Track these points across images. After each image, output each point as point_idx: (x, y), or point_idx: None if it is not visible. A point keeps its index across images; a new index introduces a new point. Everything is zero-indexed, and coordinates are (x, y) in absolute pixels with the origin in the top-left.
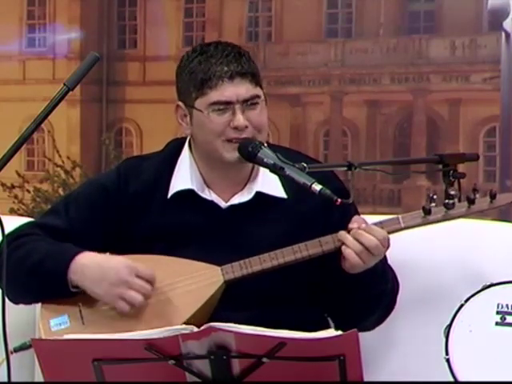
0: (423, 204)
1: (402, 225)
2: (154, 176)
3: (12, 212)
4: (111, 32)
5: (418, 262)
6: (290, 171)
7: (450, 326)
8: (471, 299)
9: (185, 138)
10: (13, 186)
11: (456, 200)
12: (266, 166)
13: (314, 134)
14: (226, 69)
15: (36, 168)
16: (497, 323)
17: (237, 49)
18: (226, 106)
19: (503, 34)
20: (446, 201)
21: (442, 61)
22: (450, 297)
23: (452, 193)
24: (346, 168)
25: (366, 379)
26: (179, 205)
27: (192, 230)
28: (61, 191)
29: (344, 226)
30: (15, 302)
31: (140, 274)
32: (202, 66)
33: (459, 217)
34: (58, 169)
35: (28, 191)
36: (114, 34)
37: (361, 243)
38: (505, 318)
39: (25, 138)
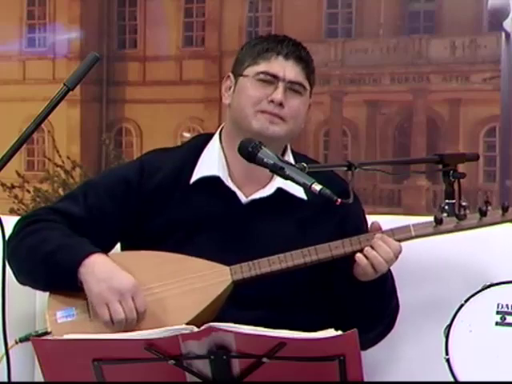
0: (423, 204)
1: (413, 233)
2: (178, 166)
3: (12, 212)
4: (111, 32)
5: (418, 262)
6: (290, 171)
7: (449, 326)
8: (471, 299)
9: (212, 133)
10: (13, 186)
11: (468, 211)
12: (265, 165)
13: (313, 134)
14: (285, 49)
15: (36, 168)
16: (497, 323)
17: (300, 44)
18: (271, 78)
19: (503, 34)
20: (458, 212)
21: (442, 61)
22: (450, 297)
23: (464, 204)
24: (346, 168)
25: (365, 379)
26: (201, 193)
27: (208, 220)
28: (61, 191)
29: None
30: (23, 284)
31: (136, 299)
32: (265, 43)
33: (470, 228)
34: (58, 169)
35: (28, 191)
36: (114, 34)
37: (377, 253)
38: (505, 318)
39: (25, 138)
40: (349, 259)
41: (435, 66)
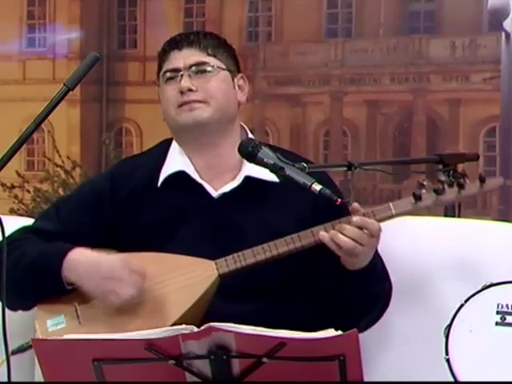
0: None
1: (394, 212)
2: (147, 170)
3: (12, 212)
4: (111, 32)
5: (418, 262)
6: (290, 171)
7: (449, 326)
8: (471, 299)
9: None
10: (13, 186)
11: (446, 186)
12: (265, 165)
13: (313, 134)
14: (176, 42)
15: (36, 168)
16: (497, 323)
17: (202, 31)
18: (174, 73)
19: (503, 34)
20: (436, 186)
21: (442, 61)
22: (450, 297)
23: (442, 179)
24: (346, 168)
25: (365, 379)
26: (170, 191)
27: (182, 217)
28: (61, 191)
29: (332, 216)
30: (13, 308)
31: (132, 267)
32: (163, 46)
33: (450, 202)
34: (58, 169)
35: (28, 191)
36: (114, 34)
37: (343, 234)
38: (505, 318)
39: (25, 138)
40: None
41: (435, 66)
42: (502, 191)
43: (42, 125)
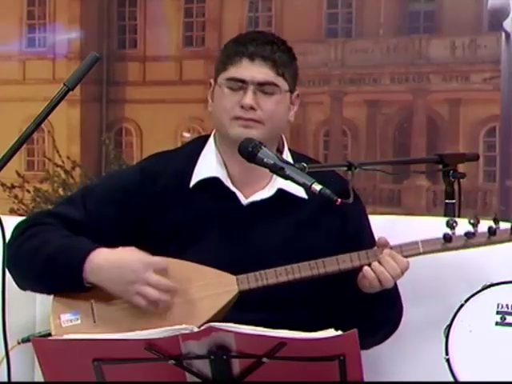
0: (423, 204)
1: (421, 250)
2: (179, 169)
3: (12, 212)
4: (111, 32)
5: (418, 262)
6: (290, 171)
7: (449, 326)
8: (471, 299)
9: (209, 135)
10: (13, 186)
11: (477, 229)
12: (265, 166)
13: (313, 133)
14: (250, 49)
15: (36, 168)
16: (497, 323)
17: (270, 37)
18: (240, 83)
19: (503, 34)
20: (467, 230)
21: (442, 61)
22: (450, 297)
23: (472, 221)
24: (346, 168)
25: (365, 379)
26: (202, 195)
27: (210, 222)
28: (61, 191)
29: (358, 238)
30: (24, 289)
31: (156, 267)
32: (233, 45)
33: (479, 246)
34: (58, 169)
35: (28, 191)
36: (114, 33)
37: (385, 269)
38: (505, 318)
39: (25, 138)
40: (355, 272)
41: (435, 66)
42: (502, 191)
43: (42, 125)
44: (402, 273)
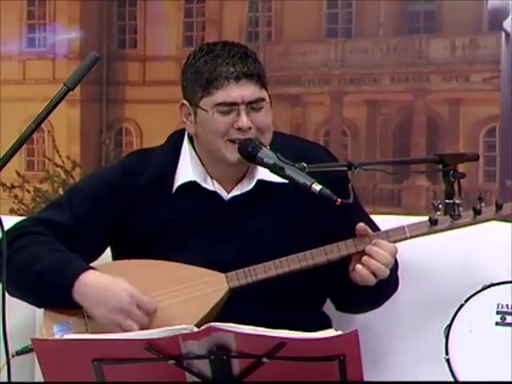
0: (423, 204)
1: (408, 234)
2: (160, 170)
3: (12, 212)
4: (111, 32)
5: (418, 262)
6: (290, 171)
7: (449, 326)
8: (471, 299)
9: (184, 130)
10: (13, 186)
11: (462, 209)
12: (266, 165)
13: (313, 134)
14: (232, 69)
15: (36, 168)
16: (497, 323)
17: (243, 49)
18: (231, 106)
19: (503, 34)
20: (452, 211)
21: (442, 61)
22: (450, 297)
23: (457, 202)
24: (346, 168)
25: (366, 379)
26: (183, 198)
27: (194, 222)
28: (61, 191)
29: (343, 217)
30: (13, 296)
31: (141, 305)
32: (208, 65)
33: (465, 226)
34: (58, 169)
35: (28, 191)
36: (114, 33)
37: (376, 260)
38: (505, 318)
39: (25, 138)
40: (344, 263)
41: (435, 65)
42: (502, 191)
43: (42, 125)
44: (393, 258)
